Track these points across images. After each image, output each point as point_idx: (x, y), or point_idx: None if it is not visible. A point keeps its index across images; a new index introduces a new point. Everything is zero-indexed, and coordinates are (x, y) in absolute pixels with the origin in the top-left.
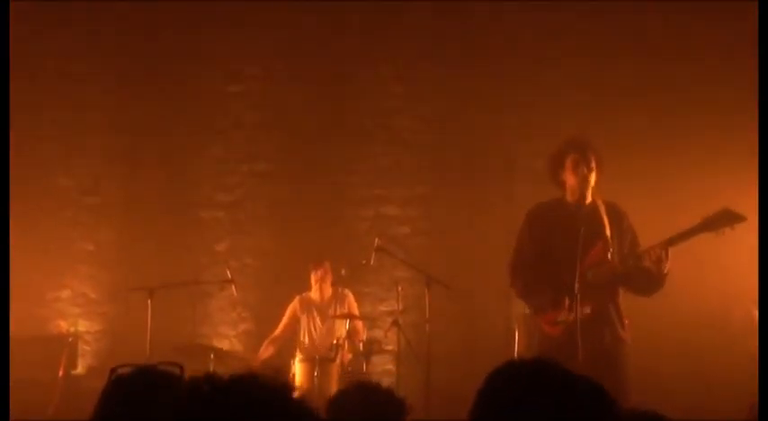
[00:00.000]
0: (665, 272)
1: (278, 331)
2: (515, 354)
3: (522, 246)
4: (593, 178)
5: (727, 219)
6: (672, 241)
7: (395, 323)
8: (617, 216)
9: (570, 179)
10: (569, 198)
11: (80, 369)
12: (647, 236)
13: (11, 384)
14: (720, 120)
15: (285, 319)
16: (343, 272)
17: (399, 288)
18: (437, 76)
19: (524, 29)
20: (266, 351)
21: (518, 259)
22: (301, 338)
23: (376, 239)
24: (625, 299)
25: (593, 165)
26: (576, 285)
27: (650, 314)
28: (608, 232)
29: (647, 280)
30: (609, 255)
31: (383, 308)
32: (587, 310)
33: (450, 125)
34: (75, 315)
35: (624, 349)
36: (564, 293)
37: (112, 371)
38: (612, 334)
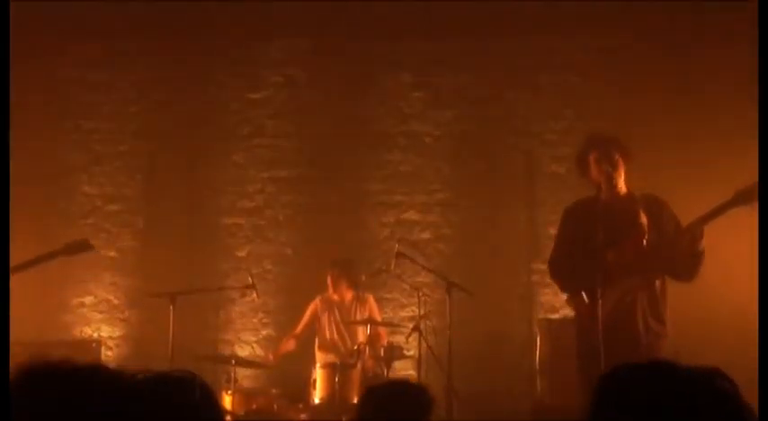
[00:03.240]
0: (701, 250)
1: (298, 329)
2: (537, 360)
3: (558, 243)
4: (619, 173)
5: (757, 191)
6: (707, 217)
7: (416, 328)
8: (656, 206)
9: (596, 177)
10: (602, 194)
11: None
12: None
13: None
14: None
15: (305, 318)
16: (363, 277)
17: (420, 294)
18: (457, 82)
19: (546, 37)
20: (286, 345)
21: (555, 256)
22: (322, 336)
23: (397, 245)
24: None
25: (618, 158)
26: (598, 276)
27: (691, 309)
28: (643, 221)
29: (685, 260)
30: (644, 243)
31: (404, 313)
32: (614, 298)
33: (471, 131)
34: (98, 321)
35: (659, 343)
36: (593, 286)
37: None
38: (645, 326)
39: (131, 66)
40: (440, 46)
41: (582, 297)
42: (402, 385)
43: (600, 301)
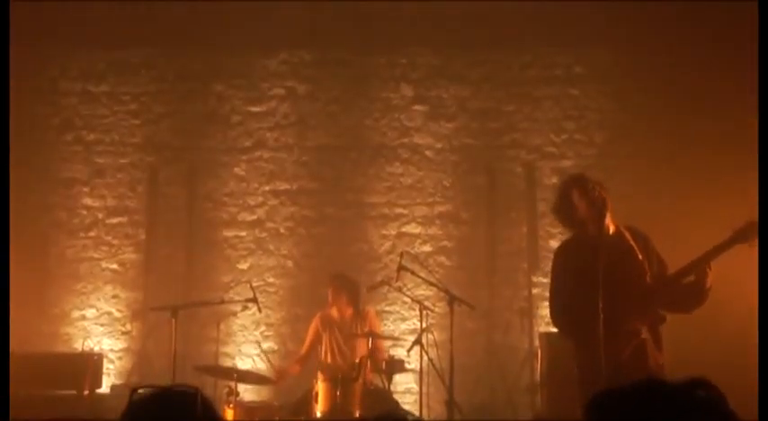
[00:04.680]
0: (709, 286)
1: (303, 351)
2: (538, 373)
3: (558, 286)
4: (607, 205)
5: (755, 229)
6: (710, 255)
7: (417, 342)
8: (641, 241)
9: (584, 210)
10: (591, 230)
11: (104, 387)
12: (670, 252)
13: (35, 401)
14: (736, 134)
15: (308, 338)
16: (364, 291)
17: (421, 307)
18: (458, 95)
19: (547, 50)
20: (293, 368)
21: (557, 300)
22: (322, 357)
23: (399, 258)
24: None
25: (600, 189)
26: (602, 316)
27: (688, 338)
28: (640, 257)
29: (690, 296)
30: (647, 279)
31: (405, 326)
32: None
33: (471, 143)
34: (99, 333)
35: (663, 373)
36: (603, 324)
37: (133, 391)
38: (655, 362)
39: (133, 78)
40: (440, 59)
41: (589, 338)
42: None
43: (606, 346)
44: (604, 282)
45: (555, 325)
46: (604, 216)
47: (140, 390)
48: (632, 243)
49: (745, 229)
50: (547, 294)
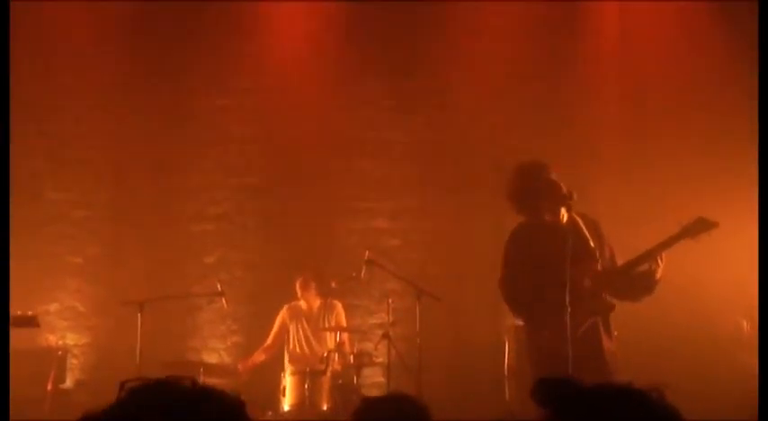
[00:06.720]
0: (659, 278)
1: (269, 341)
2: (505, 366)
3: (511, 266)
4: (571, 193)
5: (702, 226)
6: (658, 248)
7: (385, 335)
8: (594, 227)
9: (547, 199)
10: (546, 217)
11: (68, 383)
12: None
13: None
14: (697, 128)
15: (275, 329)
16: (333, 284)
17: (390, 300)
18: (426, 90)
19: (515, 45)
20: (258, 357)
21: (509, 280)
22: (291, 347)
23: (366, 252)
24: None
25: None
26: (567, 298)
27: (639, 326)
28: (592, 244)
29: (640, 285)
30: (599, 267)
31: (373, 320)
32: (579, 323)
33: (440, 138)
34: (63, 328)
35: (615, 362)
36: (555, 309)
37: (122, 385)
38: (608, 349)
39: (98, 71)
40: (409, 53)
41: (538, 320)
42: (401, 400)
43: (560, 327)
44: (557, 268)
45: (510, 306)
46: (563, 204)
47: (129, 384)
48: (585, 231)
49: (690, 226)
50: None
